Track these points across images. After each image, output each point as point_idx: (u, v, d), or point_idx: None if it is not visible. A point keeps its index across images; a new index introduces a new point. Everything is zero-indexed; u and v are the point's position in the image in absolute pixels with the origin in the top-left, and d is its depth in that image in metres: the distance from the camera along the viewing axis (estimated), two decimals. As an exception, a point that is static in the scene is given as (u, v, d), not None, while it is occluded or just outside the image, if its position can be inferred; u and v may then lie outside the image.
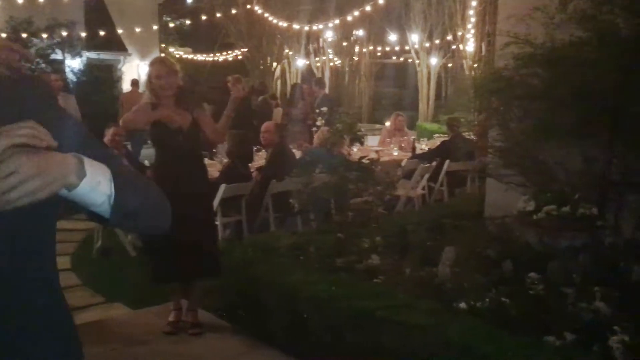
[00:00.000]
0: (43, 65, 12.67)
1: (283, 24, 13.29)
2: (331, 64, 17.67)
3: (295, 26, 13.55)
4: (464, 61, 12.02)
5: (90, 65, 14.64)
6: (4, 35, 11.78)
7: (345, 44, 16.94)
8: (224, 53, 19.36)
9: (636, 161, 3.55)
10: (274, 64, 15.76)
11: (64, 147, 0.99)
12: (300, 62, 17.62)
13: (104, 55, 15.53)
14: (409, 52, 16.51)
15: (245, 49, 15.60)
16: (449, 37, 14.47)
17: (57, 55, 13.65)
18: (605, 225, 3.57)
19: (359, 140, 4.58)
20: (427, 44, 15.53)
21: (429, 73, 15.84)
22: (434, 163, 7.03)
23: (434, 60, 15.78)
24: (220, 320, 4.09)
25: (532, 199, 3.46)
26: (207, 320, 4.05)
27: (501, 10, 4.79)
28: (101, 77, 14.64)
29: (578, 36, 3.59)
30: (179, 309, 4.01)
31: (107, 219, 1.05)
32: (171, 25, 19.41)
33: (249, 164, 6.02)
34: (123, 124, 4.14)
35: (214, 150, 6.78)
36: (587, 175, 3.87)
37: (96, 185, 1.00)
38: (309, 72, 17.60)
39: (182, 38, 19.78)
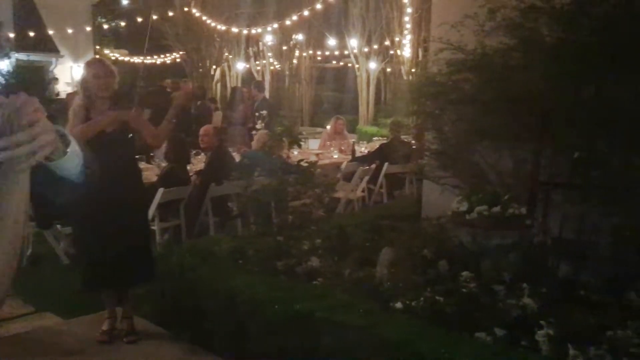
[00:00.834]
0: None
1: (221, 27, 13.17)
2: (271, 67, 17.65)
3: (234, 29, 13.45)
4: (402, 66, 12.26)
5: (19, 67, 14.05)
6: None
7: (285, 48, 16.96)
8: (162, 56, 19.00)
9: (562, 163, 3.72)
10: (214, 67, 15.58)
11: None
12: (241, 66, 17.52)
13: (35, 57, 14.96)
14: (348, 56, 16.71)
15: (183, 52, 15.37)
16: (387, 43, 14.74)
17: (-17, 56, 13.05)
18: (534, 224, 3.73)
19: (298, 143, 4.59)
20: (366, 49, 15.75)
21: (368, 77, 16.08)
22: (373, 165, 7.14)
23: (373, 65, 16.03)
24: (157, 327, 4.01)
25: (465, 200, 3.56)
26: (144, 328, 3.97)
27: (434, 17, 4.93)
28: (31, 79, 14.07)
29: (506, 43, 3.73)
30: (114, 317, 3.91)
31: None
32: (106, 26, 18.89)
33: (188, 168, 5.93)
34: (79, 136, 3.93)
35: (151, 154, 6.64)
36: (516, 176, 4.03)
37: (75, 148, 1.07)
38: (249, 75, 17.52)
39: (118, 40, 19.29)
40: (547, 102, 3.55)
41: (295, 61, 17.45)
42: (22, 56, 14.38)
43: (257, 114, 8.36)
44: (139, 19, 14.81)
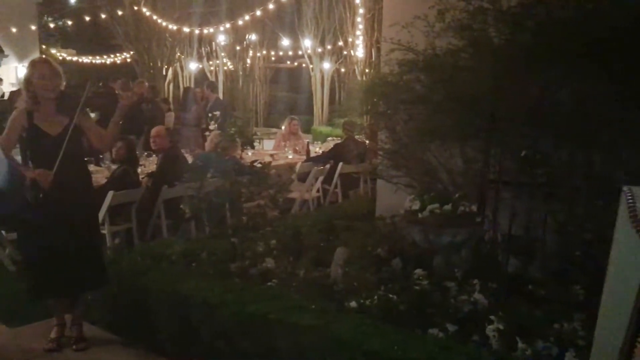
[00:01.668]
0: None
1: (173, 26, 12.95)
2: (225, 67, 17.49)
3: (186, 29, 13.25)
4: (355, 67, 12.34)
5: (-41, 67, 13.50)
6: None
7: (238, 48, 16.82)
8: (112, 56, 18.57)
9: (510, 161, 3.81)
10: (165, 68, 15.31)
11: None
12: (193, 66, 17.28)
13: (-23, 57, 14.39)
14: (302, 57, 16.70)
15: (134, 52, 15.06)
16: (341, 43, 14.80)
17: None
18: (484, 221, 3.81)
19: (251, 144, 4.55)
20: (320, 49, 15.78)
21: (322, 78, 16.10)
22: (328, 166, 7.16)
23: (327, 65, 16.07)
24: (108, 333, 3.91)
25: (417, 199, 3.61)
26: (94, 334, 3.87)
27: (385, 18, 4.98)
28: (-27, 80, 13.54)
29: (455, 44, 3.80)
30: (62, 324, 3.80)
31: None
32: (52, 25, 18.32)
33: (139, 170, 5.82)
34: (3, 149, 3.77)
35: (101, 157, 6.48)
36: (467, 174, 4.11)
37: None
38: (202, 75, 17.30)
39: (65, 39, 18.75)
40: (495, 102, 3.63)
41: (249, 61, 17.33)
42: (-37, 56, 13.83)
43: (209, 114, 8.26)
44: (87, 18, 14.42)
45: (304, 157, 7.94)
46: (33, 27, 14.93)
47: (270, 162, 5.12)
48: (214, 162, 4.83)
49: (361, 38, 11.02)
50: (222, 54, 16.91)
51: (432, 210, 3.48)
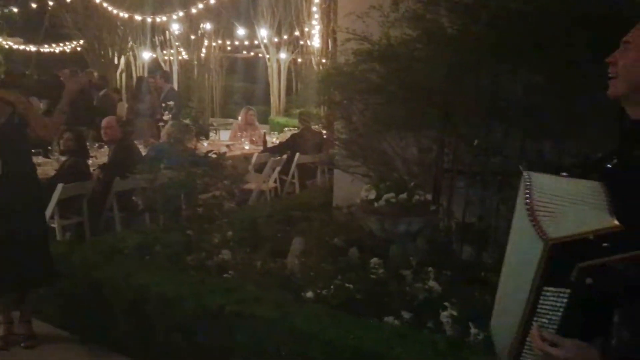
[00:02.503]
0: None
1: (124, 14, 12.61)
2: (180, 57, 17.16)
3: (138, 17, 12.92)
4: (312, 57, 12.31)
5: None
6: None
7: (193, 37, 16.52)
8: (62, 44, 17.97)
9: (464, 150, 3.86)
10: (117, 56, 14.91)
11: None
12: (147, 55, 16.90)
13: None
14: (258, 46, 16.54)
15: (84, 40, 14.61)
16: (297, 33, 14.73)
17: None
18: (439, 209, 3.86)
19: (204, 134, 4.48)
20: (276, 39, 15.67)
21: (279, 68, 16.01)
22: (285, 156, 7.13)
23: (283, 55, 15.98)
24: (60, 330, 3.81)
25: (373, 188, 3.62)
26: (44, 331, 3.76)
27: (341, 8, 4.96)
28: None
29: (409, 34, 3.81)
30: (10, 322, 3.68)
31: None
32: (-4, 12, 17.60)
33: (90, 162, 5.66)
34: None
35: (49, 148, 6.28)
36: (422, 164, 4.16)
37: None
38: (156, 65, 16.94)
39: (12, 27, 18.03)
40: (448, 92, 3.67)
41: (204, 51, 17.05)
42: None
43: (163, 104, 8.10)
44: (34, 5, 13.90)
45: (261, 148, 7.89)
46: (-24, 14, 14.34)
47: (225, 153, 5.05)
48: (167, 153, 4.73)
49: (317, 28, 10.98)
50: (177, 43, 16.58)
51: (387, 200, 3.50)
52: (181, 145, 4.28)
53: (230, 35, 17.14)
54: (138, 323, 3.39)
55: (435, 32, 3.68)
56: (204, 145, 6.60)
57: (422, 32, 3.74)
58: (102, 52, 14.30)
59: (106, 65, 14.18)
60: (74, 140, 5.27)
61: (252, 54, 18.87)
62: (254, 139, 8.42)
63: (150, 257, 3.85)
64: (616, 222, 1.19)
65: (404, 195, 3.53)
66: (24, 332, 3.66)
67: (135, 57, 16.75)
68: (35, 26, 17.10)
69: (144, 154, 5.98)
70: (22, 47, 18.16)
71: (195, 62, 16.47)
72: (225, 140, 9.05)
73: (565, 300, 1.22)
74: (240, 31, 16.12)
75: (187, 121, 4.52)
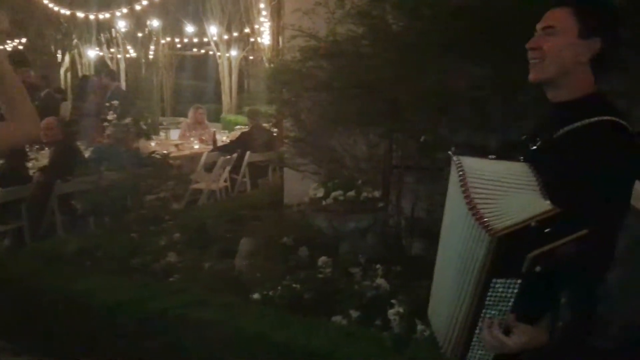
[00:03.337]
0: None
1: (66, 11, 12.19)
2: (127, 55, 16.73)
3: (80, 14, 12.52)
4: (262, 54, 12.20)
5: None
6: None
7: (140, 34, 16.13)
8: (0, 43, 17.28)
9: (412, 146, 3.88)
10: (60, 55, 14.43)
11: None
12: (92, 53, 16.41)
13: None
14: (208, 44, 16.30)
15: (25, 38, 14.09)
16: (247, 30, 14.57)
17: None
18: (388, 206, 3.87)
19: (146, 134, 4.36)
20: (226, 36, 15.47)
21: (230, 65, 15.82)
22: (235, 155, 7.02)
23: (234, 53, 15.80)
24: (-2, 341, 3.64)
25: (321, 186, 3.60)
26: (-21, 343, 3.58)
27: (288, 4, 4.91)
28: None
29: (355, 31, 3.80)
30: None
31: None
32: None
33: (29, 164, 5.43)
34: None
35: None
36: (371, 160, 4.15)
37: None
38: (102, 63, 16.46)
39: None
40: (395, 88, 3.67)
41: (152, 48, 16.68)
42: None
43: (108, 104, 7.87)
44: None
45: (211, 147, 7.76)
46: None
47: (170, 153, 4.92)
48: (108, 154, 4.58)
49: (267, 25, 10.88)
50: (123, 41, 16.17)
51: (335, 197, 3.49)
52: (123, 146, 4.15)
53: (179, 32, 16.82)
54: (80, 330, 3.26)
55: (380, 28, 3.68)
56: (152, 145, 6.45)
57: (368, 28, 3.74)
58: (45, 50, 13.81)
59: (49, 64, 13.71)
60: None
61: (202, 51, 18.57)
62: (203, 138, 8.27)
63: (92, 262, 3.72)
64: (554, 206, 1.18)
65: (352, 193, 3.53)
66: (-42, 344, 3.49)
67: (80, 55, 16.25)
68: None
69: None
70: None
71: (143, 60, 16.10)
72: (174, 139, 8.87)
73: (515, 290, 1.22)
74: (190, 28, 15.85)
75: (126, 121, 4.39)
